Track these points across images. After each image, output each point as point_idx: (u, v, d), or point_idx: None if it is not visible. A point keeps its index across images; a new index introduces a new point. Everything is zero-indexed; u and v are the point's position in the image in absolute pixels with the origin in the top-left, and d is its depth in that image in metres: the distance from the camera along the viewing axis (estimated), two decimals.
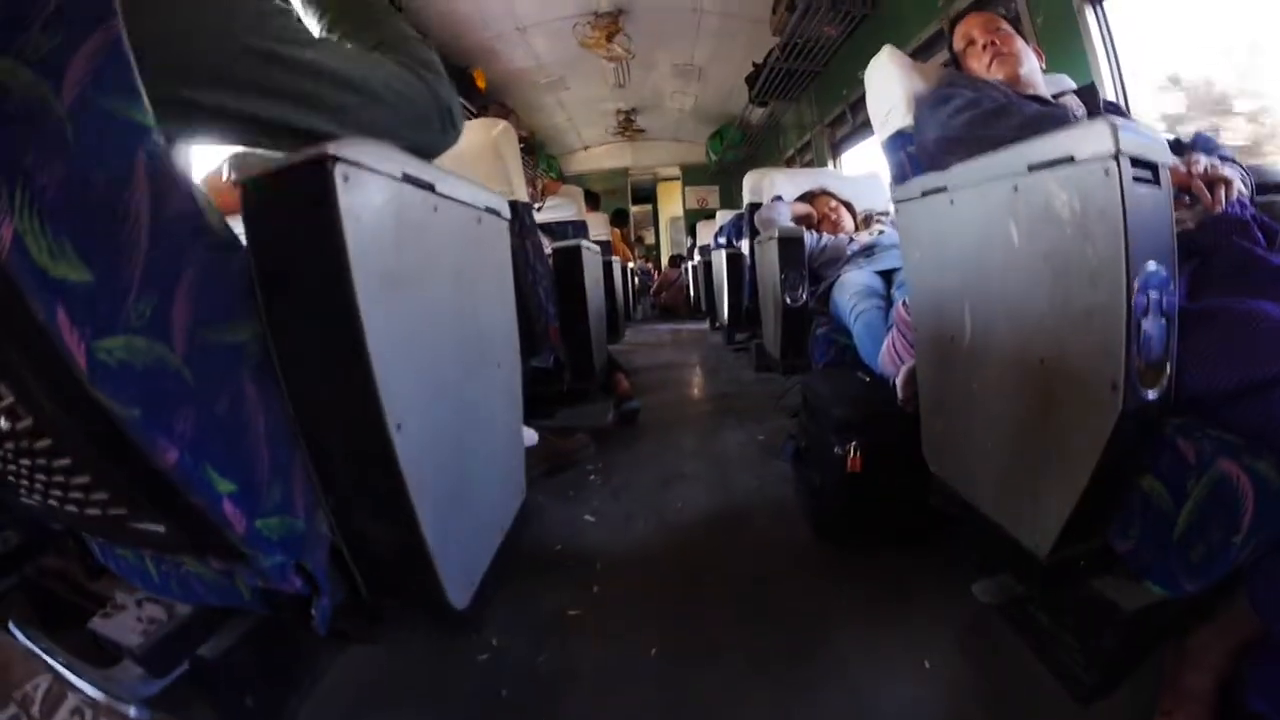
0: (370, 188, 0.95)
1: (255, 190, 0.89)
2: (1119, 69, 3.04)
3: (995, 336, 1.51)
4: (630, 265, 9.20)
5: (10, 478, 0.95)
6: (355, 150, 0.91)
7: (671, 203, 14.85)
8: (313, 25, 1.19)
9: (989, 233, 1.45)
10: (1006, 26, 2.10)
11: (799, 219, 3.87)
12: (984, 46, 2.06)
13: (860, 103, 6.02)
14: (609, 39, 7.31)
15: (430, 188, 1.17)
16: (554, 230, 4.52)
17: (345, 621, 1.18)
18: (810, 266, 3.62)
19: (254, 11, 0.90)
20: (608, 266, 4.73)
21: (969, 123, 1.65)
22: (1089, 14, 3.04)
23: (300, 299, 0.93)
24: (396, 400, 1.00)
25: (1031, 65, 2.04)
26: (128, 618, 1.26)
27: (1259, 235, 1.47)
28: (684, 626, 1.86)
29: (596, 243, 5.39)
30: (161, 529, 0.92)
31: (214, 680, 1.23)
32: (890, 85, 2.14)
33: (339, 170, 0.88)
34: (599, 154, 12.79)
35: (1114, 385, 1.13)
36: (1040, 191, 1.25)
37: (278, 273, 0.91)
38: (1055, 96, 2.03)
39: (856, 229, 3.91)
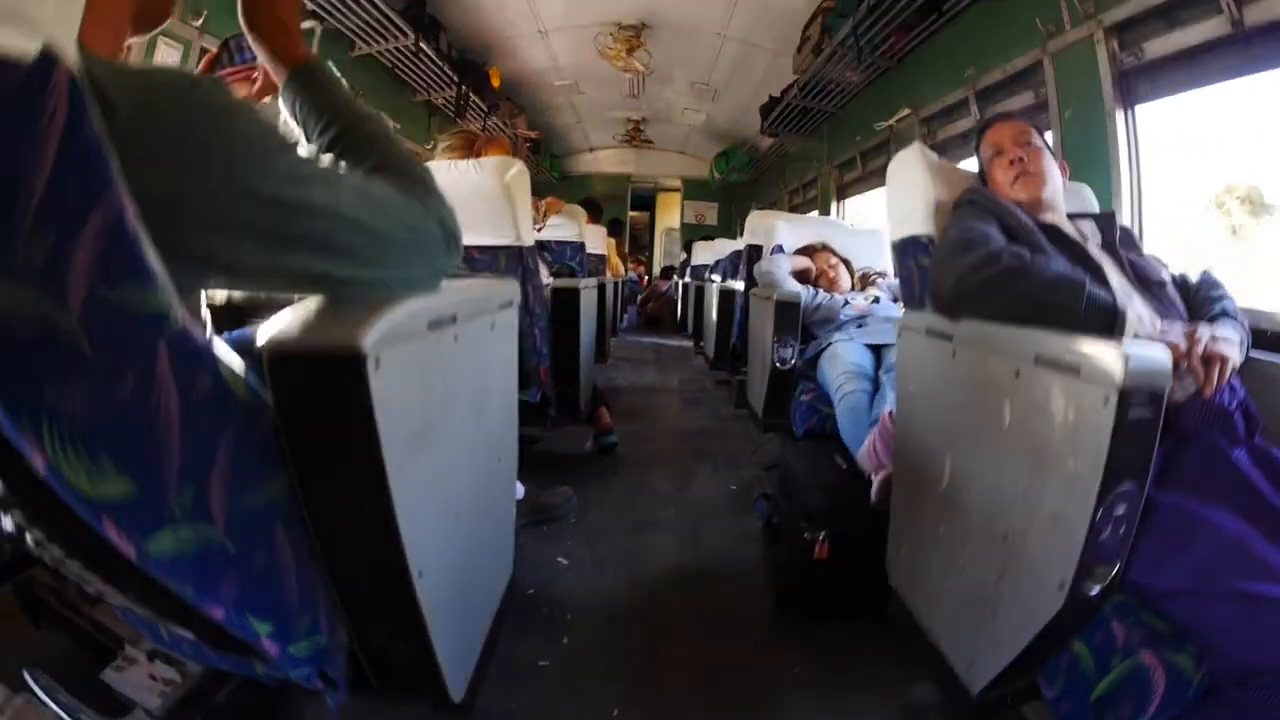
0: (398, 358, 0.98)
1: (283, 366, 0.89)
2: (1138, 172, 3.05)
3: (969, 497, 1.59)
4: (621, 278, 9.18)
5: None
6: (384, 327, 0.93)
7: (669, 213, 14.84)
8: (312, 141, 1.18)
9: (984, 404, 1.52)
10: (1037, 140, 2.07)
11: (797, 273, 3.90)
12: (1011, 161, 2.03)
13: (872, 152, 6.12)
14: (629, 52, 7.29)
15: (452, 319, 1.20)
16: (553, 249, 4.54)
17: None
18: (803, 322, 3.67)
19: (261, 155, 0.83)
20: (601, 290, 4.75)
21: (986, 281, 1.62)
22: (1119, 117, 3.04)
23: (330, 465, 0.96)
24: (418, 549, 1.05)
25: (1055, 186, 2.02)
26: (140, 674, 1.27)
27: (1240, 426, 1.53)
28: (646, 686, 1.96)
29: (592, 255, 5.44)
30: (190, 635, 0.95)
31: None
32: (913, 189, 2.12)
33: (370, 361, 0.89)
34: (603, 158, 12.73)
35: (1061, 584, 1.22)
36: (1041, 388, 1.32)
37: (309, 443, 0.93)
38: (1073, 216, 2.04)
39: (853, 287, 3.96)
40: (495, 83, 7.44)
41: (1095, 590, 1.24)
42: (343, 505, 0.98)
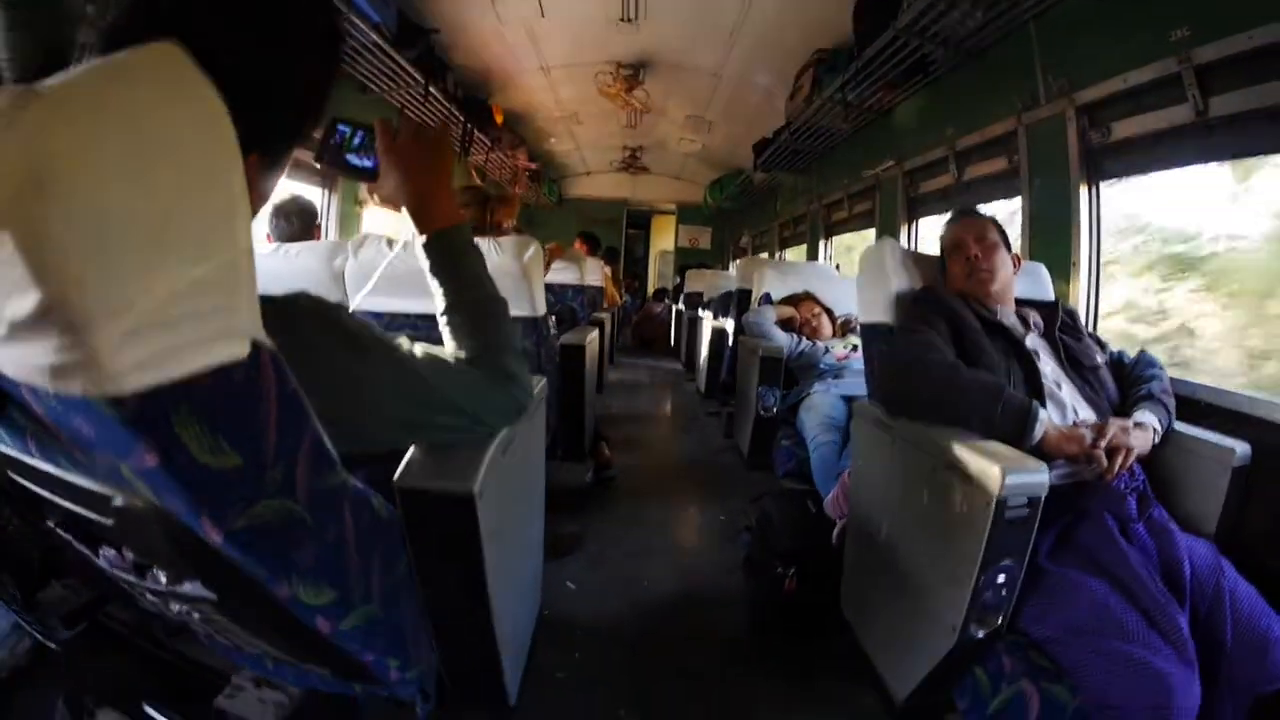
0: (491, 488, 1.30)
1: (412, 500, 1.22)
2: (1098, 245, 3.21)
3: (897, 551, 2.02)
4: (618, 306, 9.31)
5: (148, 603, 1.21)
6: (485, 470, 1.26)
7: (664, 237, 15.02)
8: (435, 294, 1.45)
9: (909, 483, 1.94)
10: (993, 236, 2.32)
11: (782, 321, 4.21)
12: (967, 258, 2.28)
13: (858, 195, 6.30)
14: (628, 90, 7.45)
15: (513, 440, 1.50)
16: (555, 291, 4.78)
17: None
18: (786, 366, 3.99)
19: (396, 364, 1.15)
20: (600, 331, 5.00)
21: (918, 391, 1.97)
22: (1083, 192, 3.18)
23: (443, 558, 1.30)
24: (497, 600, 1.40)
25: (1003, 280, 2.27)
26: (251, 699, 1.48)
27: (1132, 507, 1.84)
28: (646, 695, 2.35)
29: (591, 288, 5.66)
30: (328, 671, 1.30)
31: None
32: (877, 281, 2.42)
33: (479, 500, 1.23)
34: (600, 182, 12.81)
35: (953, 628, 1.65)
36: (947, 483, 1.72)
37: (428, 552, 1.26)
38: (1020, 304, 2.30)
39: (834, 334, 4.26)
40: (498, 118, 7.61)
41: (982, 634, 1.65)
42: (446, 577, 1.33)
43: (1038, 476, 1.56)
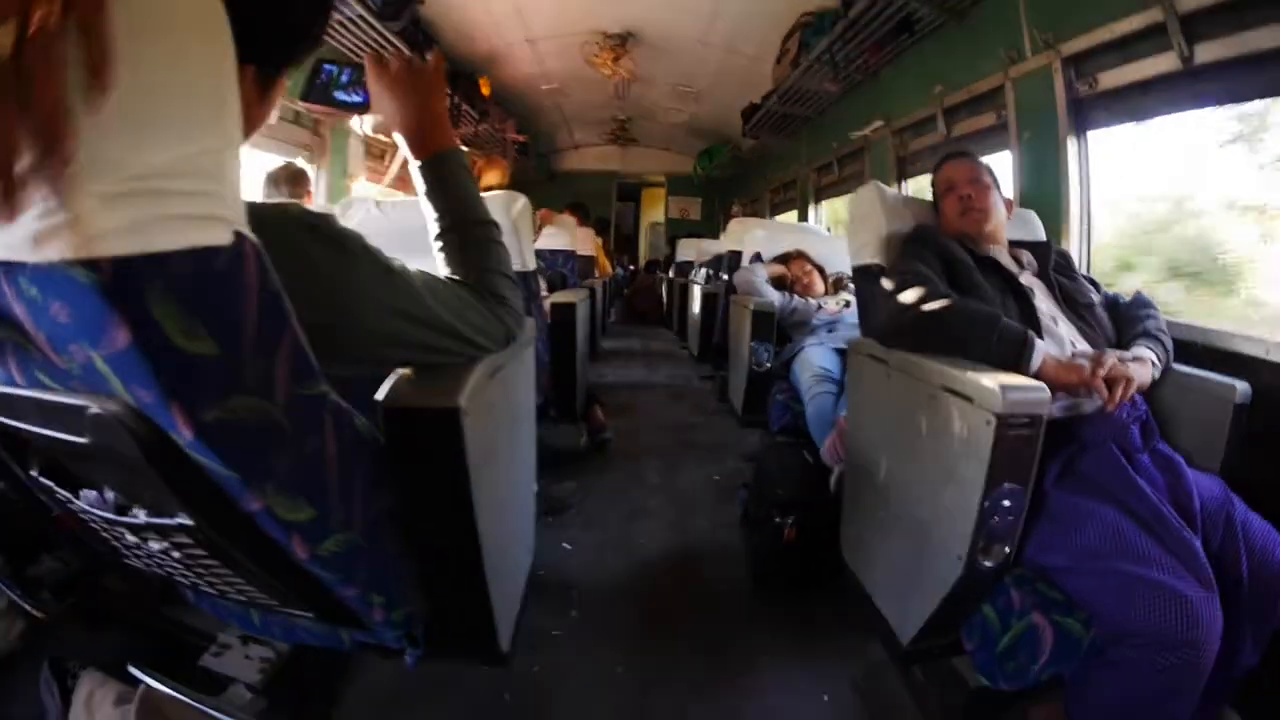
0: (477, 408, 1.29)
1: (397, 419, 1.20)
2: (1088, 194, 3.23)
3: (897, 487, 1.98)
4: (609, 277, 9.30)
5: (136, 558, 1.21)
6: (471, 387, 1.26)
7: (654, 208, 14.94)
8: (429, 219, 1.46)
9: (907, 416, 1.89)
10: (985, 178, 2.29)
11: (774, 279, 4.20)
12: (960, 197, 2.26)
13: (848, 158, 6.32)
14: (615, 60, 7.42)
15: (501, 368, 1.50)
16: (546, 258, 4.77)
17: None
18: (779, 326, 3.97)
19: (385, 276, 1.14)
20: (592, 294, 5.01)
21: (914, 321, 1.92)
22: (1072, 142, 3.21)
23: (429, 481, 1.28)
24: (485, 523, 1.37)
25: (997, 220, 2.26)
26: (238, 656, 1.52)
27: (1136, 436, 1.80)
28: (644, 650, 2.31)
29: (582, 257, 5.65)
30: (311, 614, 1.28)
31: (292, 699, 1.53)
32: (868, 223, 2.40)
33: (465, 416, 1.22)
34: (589, 155, 12.83)
35: (960, 556, 1.60)
36: (945, 408, 1.69)
37: (413, 471, 1.25)
38: (1014, 246, 2.28)
39: (826, 291, 4.25)
40: (485, 91, 7.55)
41: (990, 564, 1.60)
42: (437, 509, 1.31)
43: (1039, 394, 1.52)
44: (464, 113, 7.32)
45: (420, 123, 1.45)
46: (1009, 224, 2.36)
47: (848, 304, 3.93)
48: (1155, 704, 1.42)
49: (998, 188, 2.33)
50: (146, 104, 0.67)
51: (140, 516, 0.99)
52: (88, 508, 1.03)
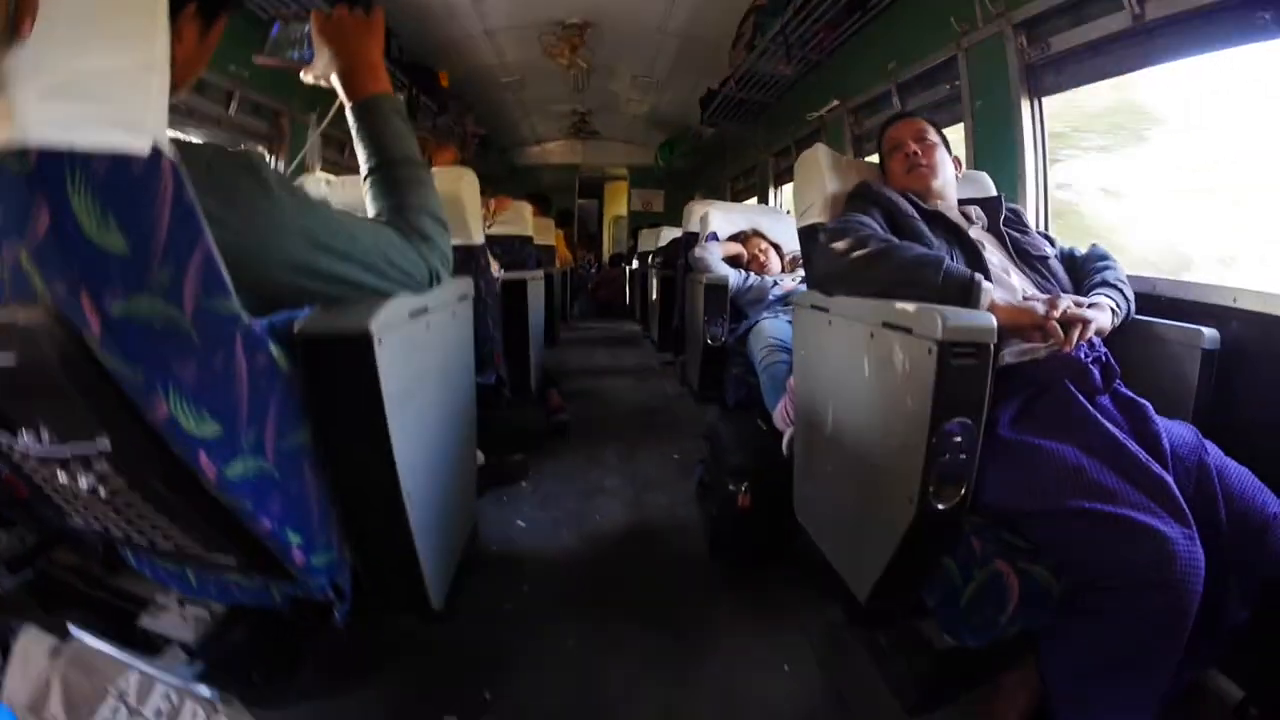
0: (392, 337, 1.28)
1: (311, 344, 1.21)
2: (1044, 159, 3.21)
3: (845, 436, 1.92)
4: (570, 267, 9.32)
5: (75, 511, 1.25)
6: (386, 315, 1.26)
7: (617, 202, 14.90)
8: (361, 158, 1.51)
9: (850, 358, 1.84)
10: (932, 136, 2.26)
11: (730, 258, 4.19)
12: (906, 155, 2.22)
13: (805, 140, 6.16)
14: (572, 50, 7.36)
15: (425, 310, 1.49)
16: (502, 244, 4.74)
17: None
18: (735, 304, 3.96)
19: (305, 210, 1.19)
20: (549, 280, 4.99)
21: (852, 264, 1.87)
22: (1025, 108, 3.20)
23: (344, 418, 1.28)
24: (407, 479, 1.37)
25: (945, 177, 2.21)
26: (174, 617, 1.51)
27: (1096, 377, 1.72)
28: (598, 625, 2.25)
29: (541, 247, 5.63)
30: (233, 561, 1.27)
31: (230, 664, 1.51)
32: (813, 184, 2.36)
33: (377, 339, 1.22)
34: (550, 150, 12.74)
35: (910, 499, 1.52)
36: (887, 344, 1.63)
37: (328, 401, 1.26)
38: (963, 203, 2.24)
39: (783, 270, 4.24)
40: (444, 83, 7.52)
41: (943, 507, 1.52)
42: (354, 446, 1.30)
43: (983, 321, 1.46)
44: (423, 104, 7.22)
45: (354, 67, 1.52)
46: (960, 185, 2.32)
47: (804, 280, 3.87)
48: (1135, 657, 1.35)
49: (946, 147, 2.29)
50: (83, 15, 0.80)
51: (67, 451, 1.05)
52: (24, 446, 1.08)
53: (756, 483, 2.51)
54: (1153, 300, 2.16)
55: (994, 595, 1.49)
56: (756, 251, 4.26)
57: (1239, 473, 1.55)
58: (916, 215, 2.06)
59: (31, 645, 1.15)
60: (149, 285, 0.90)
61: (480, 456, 2.67)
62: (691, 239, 4.87)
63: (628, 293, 11.49)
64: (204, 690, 1.23)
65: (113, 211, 0.84)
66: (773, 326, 3.37)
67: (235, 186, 1.08)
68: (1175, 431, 1.63)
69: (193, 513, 1.13)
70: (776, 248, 4.35)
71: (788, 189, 7.31)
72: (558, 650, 2.11)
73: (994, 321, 1.47)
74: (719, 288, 3.88)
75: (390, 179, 1.49)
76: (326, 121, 1.74)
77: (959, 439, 1.47)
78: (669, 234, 7.44)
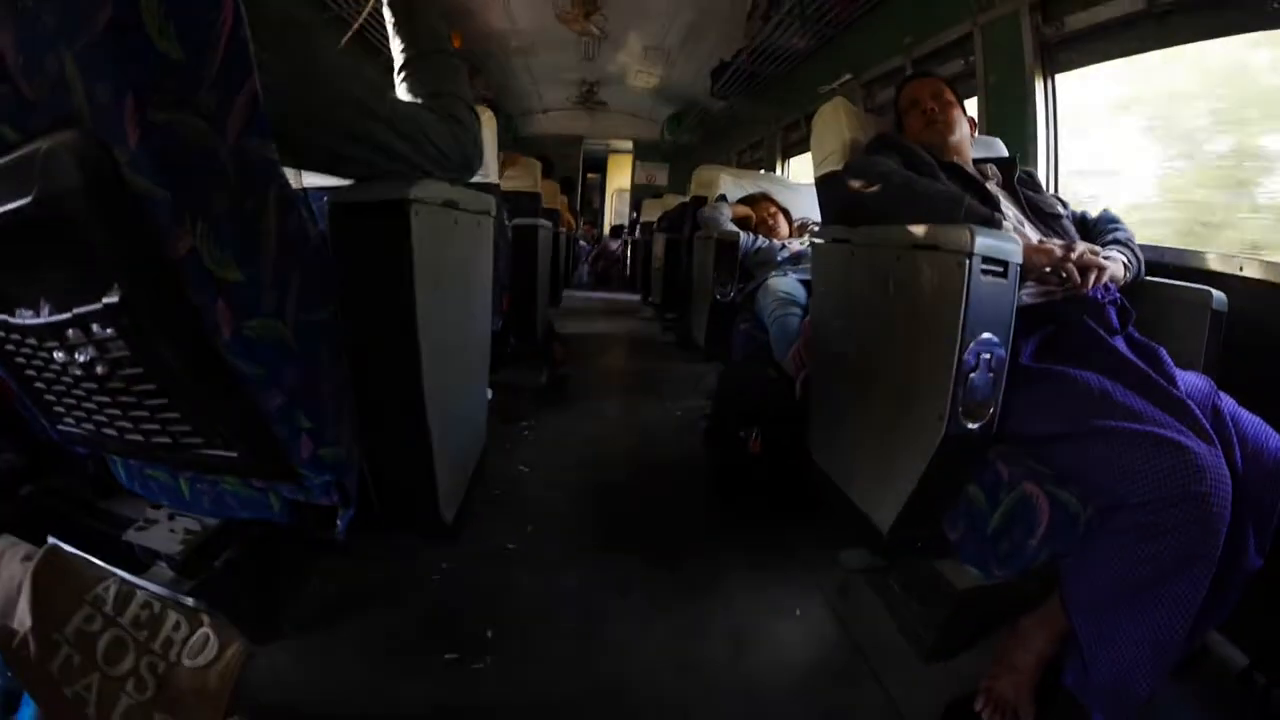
0: (426, 215, 1.29)
1: (345, 213, 1.23)
2: (1055, 136, 3.24)
3: (869, 363, 1.92)
4: (573, 233, 9.33)
5: (67, 407, 1.23)
6: (421, 190, 1.26)
7: (621, 175, 14.80)
8: (395, 51, 1.52)
9: (874, 285, 1.84)
10: (949, 95, 2.27)
11: (739, 220, 4.17)
12: (923, 111, 2.22)
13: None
14: (586, 16, 7.34)
15: (455, 205, 1.49)
16: (511, 200, 4.74)
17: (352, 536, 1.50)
18: (743, 265, 3.94)
19: (350, 71, 1.20)
20: (556, 238, 5.00)
21: (875, 198, 1.91)
22: (1039, 85, 3.22)
23: (372, 293, 1.28)
24: (428, 364, 1.36)
25: (961, 134, 2.21)
26: (162, 530, 1.51)
27: (1113, 317, 1.76)
28: (603, 566, 2.22)
29: (547, 210, 5.64)
30: (235, 455, 1.22)
31: (220, 588, 1.50)
32: (833, 133, 2.37)
33: (413, 209, 1.23)
34: (557, 119, 12.61)
35: (940, 416, 1.52)
36: (914, 265, 1.64)
37: (357, 273, 1.25)
38: (978, 162, 2.24)
39: (791, 235, 4.22)
40: (457, 44, 7.48)
41: (973, 426, 1.53)
42: (379, 327, 1.30)
43: (1009, 242, 1.49)
44: None
45: None
46: (974, 147, 2.33)
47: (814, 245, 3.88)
48: (1162, 581, 1.31)
49: (962, 108, 2.30)
50: None
51: (69, 314, 1.01)
52: (21, 320, 1.06)
53: (767, 428, 2.50)
54: (1160, 269, 2.15)
55: (1024, 518, 1.49)
56: (765, 215, 4.24)
57: (1252, 419, 1.54)
58: (935, 165, 2.07)
59: (6, 551, 1.14)
60: (194, 104, 0.89)
61: (488, 392, 2.69)
62: (700, 202, 4.88)
63: (627, 263, 11.55)
64: (187, 600, 1.23)
65: (174, 22, 0.83)
66: (783, 283, 3.35)
67: (284, 39, 1.08)
68: (1188, 379, 1.63)
69: (197, 385, 1.10)
70: (785, 213, 4.33)
71: (795, 162, 7.31)
72: (562, 590, 2.09)
73: (1019, 243, 1.50)
74: (730, 244, 3.87)
75: (425, 68, 1.51)
76: (366, 13, 1.76)
77: (987, 355, 1.49)
78: (675, 202, 7.39)
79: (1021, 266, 1.53)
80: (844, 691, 1.73)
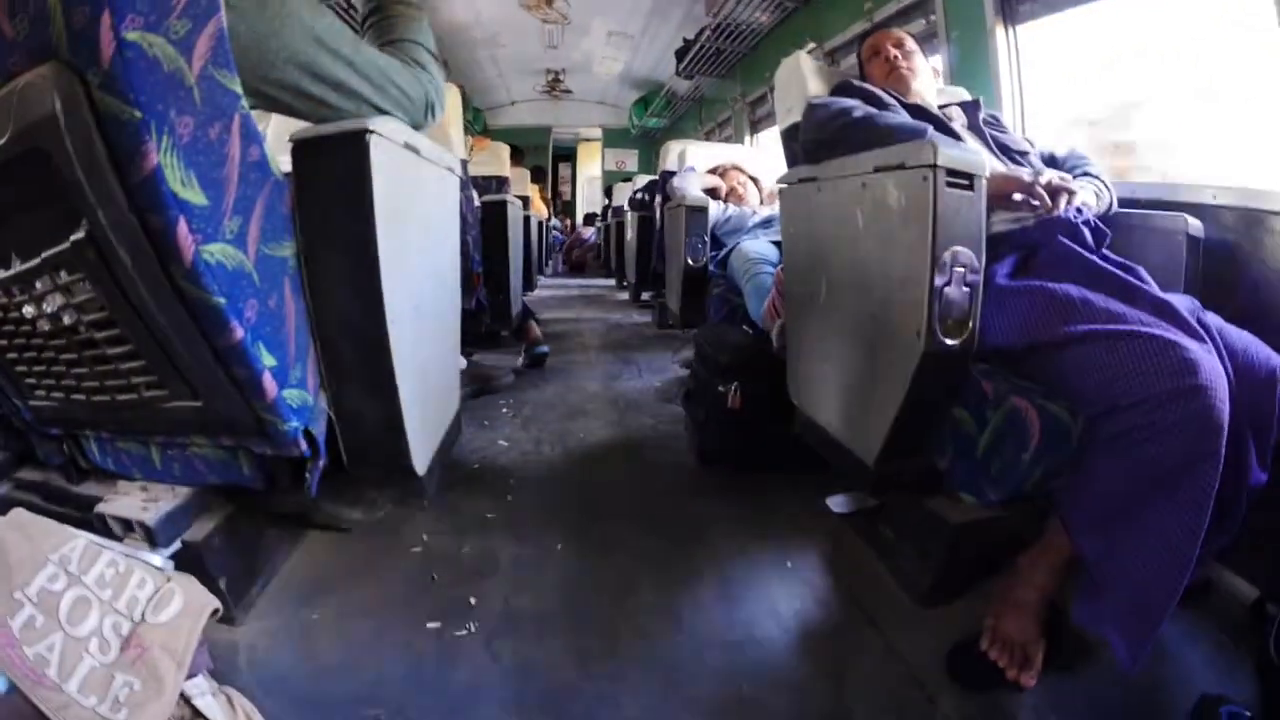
0: (385, 152, 1.30)
1: (306, 150, 1.25)
2: (1020, 85, 3.25)
3: (842, 296, 1.89)
4: (546, 221, 9.36)
5: (37, 376, 1.28)
6: (380, 125, 1.28)
7: (591, 163, 14.93)
8: (360, 3, 1.58)
9: (843, 216, 1.82)
10: (910, 43, 2.28)
11: (708, 190, 4.14)
12: (886, 59, 2.24)
13: None
14: (549, 3, 7.38)
15: (416, 151, 1.50)
16: (479, 184, 4.73)
17: (324, 499, 1.55)
18: (714, 234, 3.93)
19: (313, 10, 1.22)
20: (526, 221, 5.00)
21: (839, 129, 1.90)
22: (1000, 34, 3.23)
23: (334, 228, 1.28)
24: (393, 308, 1.35)
25: (925, 81, 2.24)
26: (133, 500, 1.51)
27: (1087, 237, 1.72)
28: (585, 530, 2.20)
29: (517, 197, 5.64)
30: (199, 404, 1.24)
31: (195, 563, 1.48)
32: (794, 86, 2.38)
33: (372, 140, 1.24)
34: (525, 110, 12.73)
35: (918, 333, 1.49)
36: (880, 188, 1.61)
37: (319, 209, 1.27)
38: (942, 107, 2.22)
39: (762, 203, 4.21)
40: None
41: (952, 343, 1.49)
42: (337, 258, 1.30)
43: (972, 153, 1.48)
44: None
45: None
46: (939, 97, 2.33)
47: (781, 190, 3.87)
48: (1170, 478, 1.25)
49: (924, 56, 2.31)
50: None
51: (38, 260, 1.08)
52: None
53: (746, 380, 2.48)
54: (1133, 204, 2.14)
55: (1014, 433, 1.46)
56: (735, 184, 4.23)
57: (1238, 333, 1.50)
58: (899, 106, 2.08)
59: None
60: (164, 29, 0.94)
61: (462, 360, 2.67)
62: (669, 176, 4.87)
63: (601, 251, 11.55)
64: (153, 558, 1.25)
65: None
66: (754, 245, 3.33)
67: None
68: (1172, 298, 1.55)
69: (160, 324, 1.11)
70: (755, 181, 4.32)
71: (763, 136, 7.32)
72: (546, 554, 2.06)
73: (983, 156, 1.49)
74: (700, 209, 3.85)
75: (388, 20, 1.54)
76: None
77: (960, 269, 1.45)
78: (645, 180, 7.40)
79: (992, 195, 1.53)
80: (843, 641, 1.71)
